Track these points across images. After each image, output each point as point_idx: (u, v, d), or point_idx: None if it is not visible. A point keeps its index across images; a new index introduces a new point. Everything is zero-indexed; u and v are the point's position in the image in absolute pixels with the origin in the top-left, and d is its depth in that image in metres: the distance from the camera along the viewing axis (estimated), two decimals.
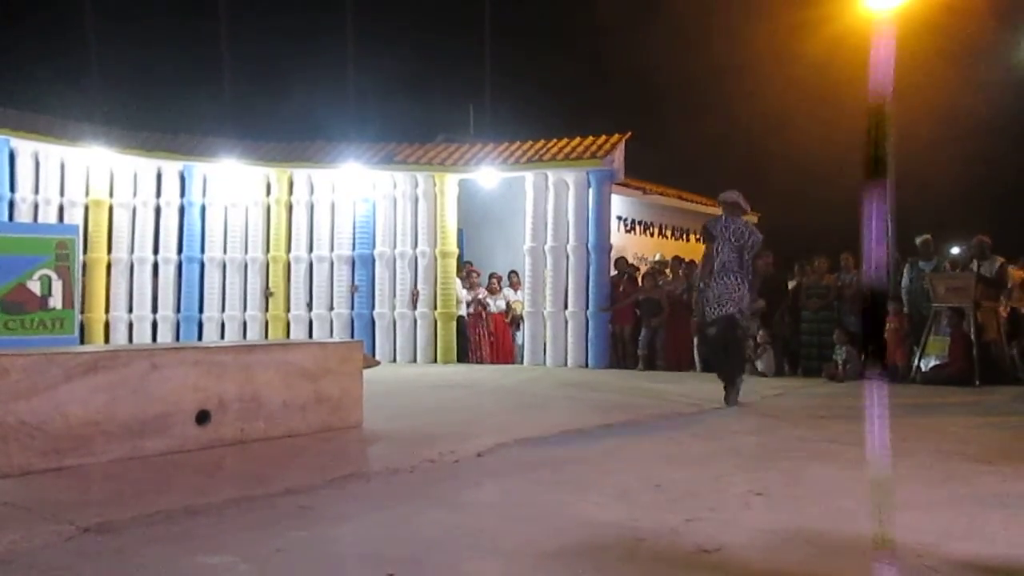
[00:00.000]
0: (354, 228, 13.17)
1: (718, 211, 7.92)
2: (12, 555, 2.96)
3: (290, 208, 13.48)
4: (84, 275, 12.87)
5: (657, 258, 14.41)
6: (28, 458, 4.24)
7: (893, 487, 4.00)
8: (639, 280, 12.21)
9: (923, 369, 9.62)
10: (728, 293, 7.29)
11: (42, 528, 3.27)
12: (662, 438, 5.68)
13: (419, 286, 12.75)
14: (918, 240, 10.34)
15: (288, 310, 13.40)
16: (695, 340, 11.36)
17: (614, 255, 12.36)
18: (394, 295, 12.89)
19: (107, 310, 13.37)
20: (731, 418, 6.68)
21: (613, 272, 12.21)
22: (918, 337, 9.82)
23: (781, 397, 8.20)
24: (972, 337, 9.41)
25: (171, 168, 13.48)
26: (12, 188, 12.41)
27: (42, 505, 3.62)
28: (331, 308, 13.18)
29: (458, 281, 12.94)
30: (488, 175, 12.71)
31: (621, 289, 11.97)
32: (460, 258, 13.21)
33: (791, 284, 11.16)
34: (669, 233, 17.48)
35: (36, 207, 12.72)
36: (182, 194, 13.52)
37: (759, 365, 10.38)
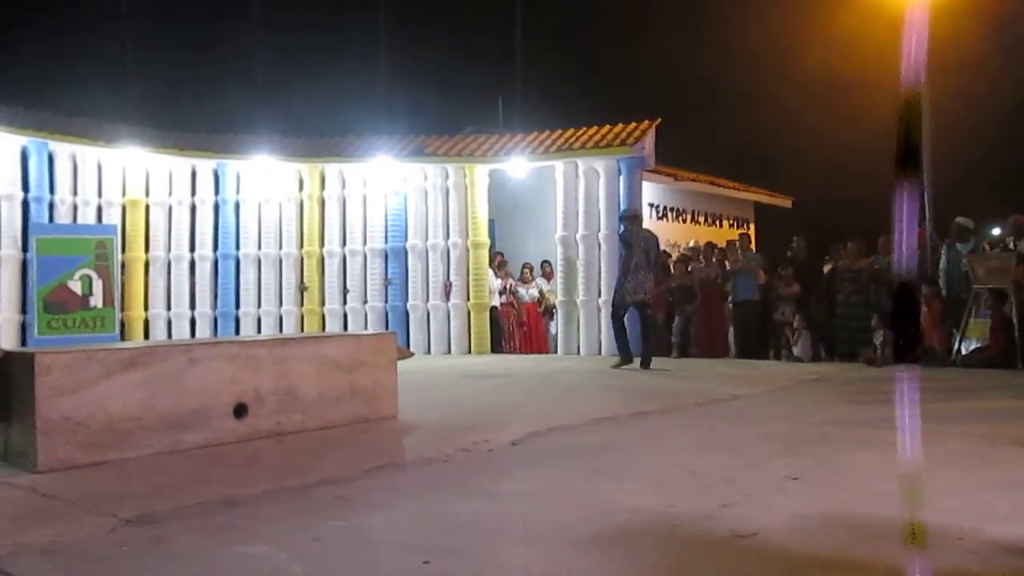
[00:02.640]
0: (386, 221, 13.25)
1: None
2: (58, 546, 3.03)
3: (322, 203, 13.59)
4: (123, 274, 13.09)
5: (691, 245, 14.33)
6: (72, 452, 4.34)
7: (932, 471, 3.94)
8: (671, 267, 12.14)
9: (963, 352, 9.45)
10: (640, 284, 9.54)
11: (86, 520, 3.35)
12: (696, 425, 5.65)
13: (451, 277, 12.80)
14: (955, 222, 10.15)
15: (323, 304, 13.53)
16: (730, 327, 11.31)
17: None
18: (427, 287, 12.95)
19: (146, 308, 13.59)
20: (766, 404, 6.63)
21: None
22: (957, 320, 9.66)
23: (817, 382, 8.11)
24: (1014, 319, 9.22)
25: (205, 166, 13.65)
26: (52, 190, 12.64)
27: (85, 498, 3.71)
28: (365, 301, 13.28)
29: (490, 272, 12.98)
30: (518, 165, 12.70)
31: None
32: (492, 248, 13.23)
33: (826, 268, 11.04)
34: (702, 219, 17.35)
35: (75, 208, 12.94)
36: (216, 192, 13.69)
37: (795, 351, 10.29)
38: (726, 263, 11.58)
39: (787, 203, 19.69)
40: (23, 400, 4.33)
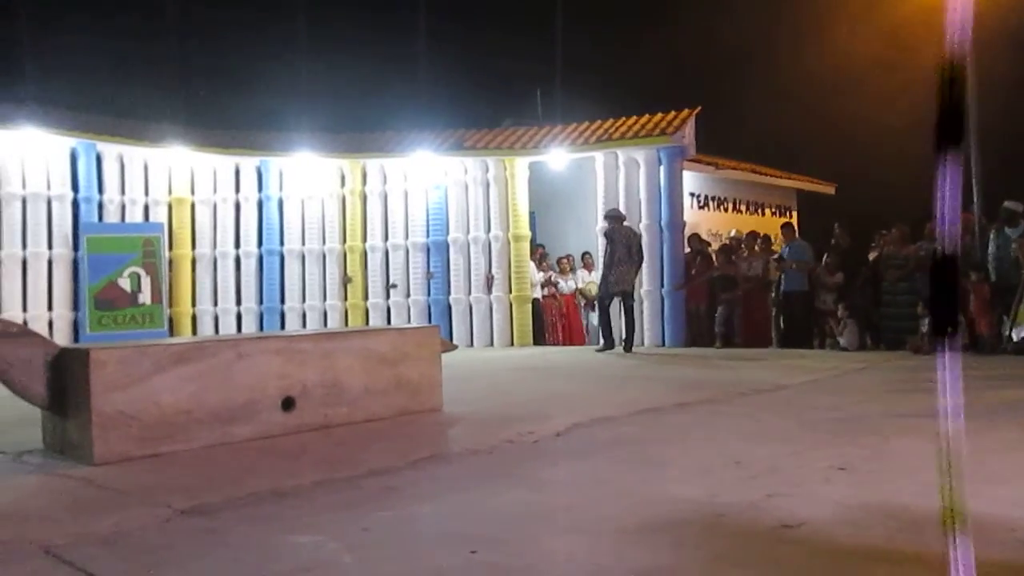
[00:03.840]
0: (427, 215, 13.33)
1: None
2: (116, 536, 3.12)
3: (364, 198, 13.72)
4: (170, 271, 13.36)
5: (732, 234, 14.20)
6: (126, 445, 4.45)
7: (982, 460, 3.88)
8: (712, 257, 12.05)
9: (1013, 339, 9.25)
10: (622, 277, 10.60)
11: (142, 511, 3.44)
12: (741, 415, 5.62)
13: (493, 270, 12.84)
14: (1003, 206, 9.91)
15: (366, 298, 13.67)
16: (773, 316, 11.19)
17: (687, 232, 12.22)
18: (469, 280, 13.01)
19: (193, 304, 13.85)
20: (811, 394, 6.56)
21: (687, 250, 12.08)
22: (1007, 307, 9.44)
23: (863, 371, 8.01)
24: None
25: (248, 164, 13.86)
26: (100, 190, 12.92)
27: (140, 489, 3.81)
28: (408, 295, 13.39)
29: (532, 264, 13.00)
30: (558, 157, 12.69)
31: (695, 267, 11.83)
32: (533, 241, 13.25)
33: (871, 256, 10.86)
34: (744, 208, 17.16)
35: (123, 207, 13.22)
36: (260, 189, 13.89)
37: (841, 340, 10.15)
38: (772, 259, 11.39)
39: (830, 190, 19.39)
40: (78, 395, 4.45)
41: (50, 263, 12.44)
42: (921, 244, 10.19)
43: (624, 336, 10.78)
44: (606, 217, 11.07)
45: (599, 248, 12.27)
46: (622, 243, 10.67)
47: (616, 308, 10.96)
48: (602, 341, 10.89)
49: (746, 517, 3.13)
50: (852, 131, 19.64)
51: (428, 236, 13.28)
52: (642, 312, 11.85)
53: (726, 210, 16.64)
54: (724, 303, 11.25)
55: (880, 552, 2.73)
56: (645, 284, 11.81)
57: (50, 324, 12.30)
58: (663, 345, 11.61)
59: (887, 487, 3.52)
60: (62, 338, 11.98)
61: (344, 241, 13.77)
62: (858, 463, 3.98)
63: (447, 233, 13.14)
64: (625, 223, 11.05)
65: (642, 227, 11.85)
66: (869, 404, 5.90)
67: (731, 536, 2.95)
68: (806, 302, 10.82)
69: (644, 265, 11.83)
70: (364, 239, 13.68)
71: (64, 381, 4.56)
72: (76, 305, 12.53)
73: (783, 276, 11.00)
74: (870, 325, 10.45)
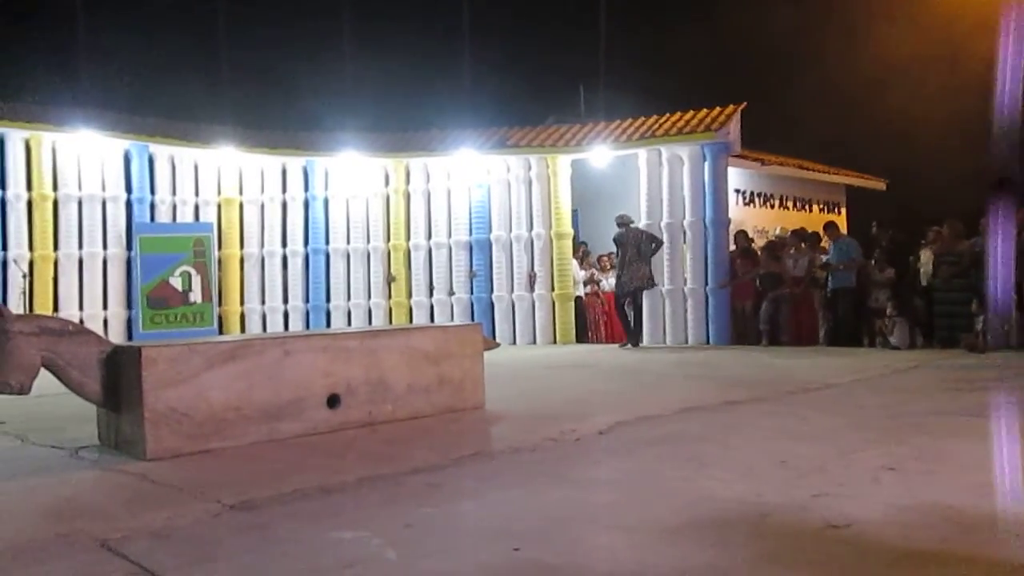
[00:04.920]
0: (470, 213, 13.38)
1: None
2: (168, 530, 3.19)
3: (408, 197, 13.83)
4: (219, 270, 13.60)
5: (777, 232, 14.02)
6: (177, 441, 4.55)
7: None
8: (758, 254, 11.90)
9: None
10: (634, 275, 11.22)
11: (193, 506, 3.51)
12: (787, 414, 5.55)
13: (536, 268, 12.85)
14: None
15: (409, 296, 13.77)
16: (821, 314, 11.01)
17: (733, 229, 12.10)
18: (512, 278, 13.04)
19: (242, 302, 14.08)
20: (860, 393, 6.45)
21: (732, 247, 11.95)
22: None
23: (915, 370, 7.85)
24: None
25: (295, 164, 14.05)
26: (152, 191, 13.20)
27: (191, 484, 3.89)
28: (451, 293, 13.46)
29: (574, 262, 12.98)
30: (600, 154, 12.65)
31: (739, 265, 11.70)
32: (575, 239, 13.22)
33: (923, 253, 10.63)
34: (791, 204, 16.93)
35: (174, 208, 13.49)
36: (306, 188, 14.08)
37: (891, 339, 9.95)
38: (817, 258, 11.20)
39: (881, 185, 19.03)
40: (131, 392, 4.56)
41: (105, 263, 12.75)
42: (975, 240, 9.95)
43: (633, 329, 11.47)
44: (618, 224, 11.49)
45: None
46: (632, 245, 11.26)
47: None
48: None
49: (792, 517, 3.09)
50: (903, 126, 19.23)
51: (471, 234, 13.34)
52: (686, 310, 11.77)
53: (772, 207, 16.44)
54: (769, 301, 11.12)
55: (931, 554, 2.68)
56: (689, 282, 11.72)
57: (105, 323, 12.61)
58: (708, 343, 11.51)
59: (939, 488, 3.45)
60: (116, 336, 12.28)
61: (388, 240, 13.89)
62: (909, 463, 3.91)
63: (490, 231, 13.18)
64: (632, 225, 11.50)
65: (686, 224, 11.77)
66: (920, 403, 5.78)
67: (777, 536, 2.91)
68: (854, 300, 10.63)
69: (688, 262, 11.78)
70: (408, 238, 13.79)
71: (118, 378, 4.68)
72: (130, 304, 12.82)
73: (830, 274, 10.82)
74: (921, 322, 10.23)
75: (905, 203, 17.13)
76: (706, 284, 11.62)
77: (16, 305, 11.01)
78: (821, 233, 11.73)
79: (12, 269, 11.83)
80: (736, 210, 13.93)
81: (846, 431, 4.81)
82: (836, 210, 17.87)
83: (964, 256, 9.87)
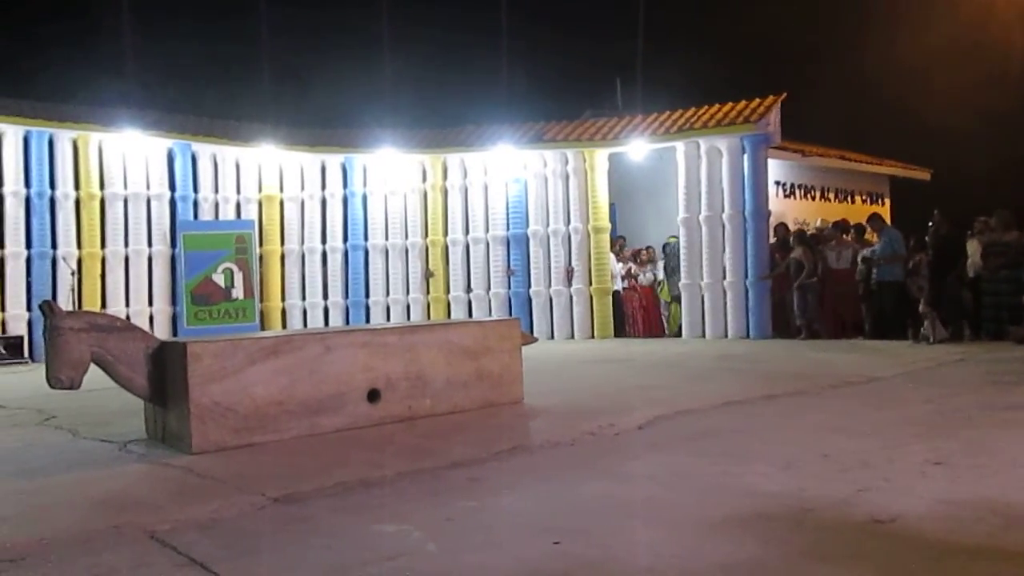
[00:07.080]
0: (507, 208, 13.40)
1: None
2: (214, 522, 3.26)
3: (445, 192, 13.88)
4: (261, 266, 13.78)
5: (818, 224, 13.84)
6: (222, 435, 4.63)
7: None
8: (791, 242, 11.68)
9: None
10: None
11: (238, 498, 3.57)
12: (830, 408, 5.48)
13: (573, 263, 12.83)
14: None
15: (448, 291, 13.83)
16: (865, 307, 10.83)
17: (773, 222, 11.96)
18: (549, 273, 13.03)
19: (283, 298, 14.24)
20: (905, 387, 6.35)
21: (772, 239, 11.81)
22: None
23: (961, 363, 7.70)
24: None
25: (334, 161, 14.17)
26: (195, 189, 13.41)
27: (236, 478, 3.96)
28: (488, 288, 13.49)
29: (612, 256, 12.93)
30: (638, 147, 12.58)
31: (779, 257, 11.54)
32: (613, 232, 13.18)
33: (970, 243, 10.40)
34: (832, 196, 16.67)
35: (216, 205, 13.68)
36: (345, 185, 14.20)
37: (923, 331, 9.68)
38: (863, 249, 11.00)
39: (925, 175, 18.66)
40: (177, 387, 4.65)
41: (150, 260, 12.97)
42: None
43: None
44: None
45: (681, 239, 12.14)
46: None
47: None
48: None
49: (835, 511, 3.06)
50: (948, 115, 18.84)
51: (508, 229, 13.35)
52: (725, 303, 11.66)
53: (813, 199, 16.19)
54: (796, 290, 10.91)
55: (980, 549, 2.63)
56: (729, 275, 11.62)
57: (151, 319, 12.83)
58: (748, 336, 11.40)
59: (987, 482, 3.39)
60: (162, 332, 12.50)
61: (426, 235, 13.95)
62: (956, 458, 3.84)
63: (527, 226, 13.18)
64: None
65: (725, 217, 11.67)
66: (967, 396, 5.68)
67: (819, 530, 2.89)
68: (900, 292, 10.44)
69: (727, 255, 11.66)
70: (445, 233, 13.84)
71: (164, 373, 4.77)
72: (174, 300, 13.04)
73: (880, 266, 10.61)
74: (967, 315, 10.01)
75: (951, 193, 16.78)
76: (746, 277, 11.51)
77: (65, 302, 11.24)
78: (864, 224, 11.53)
79: (61, 266, 12.09)
80: (776, 202, 13.75)
81: (890, 425, 4.74)
82: (880, 201, 17.55)
83: (1012, 247, 9.65)
